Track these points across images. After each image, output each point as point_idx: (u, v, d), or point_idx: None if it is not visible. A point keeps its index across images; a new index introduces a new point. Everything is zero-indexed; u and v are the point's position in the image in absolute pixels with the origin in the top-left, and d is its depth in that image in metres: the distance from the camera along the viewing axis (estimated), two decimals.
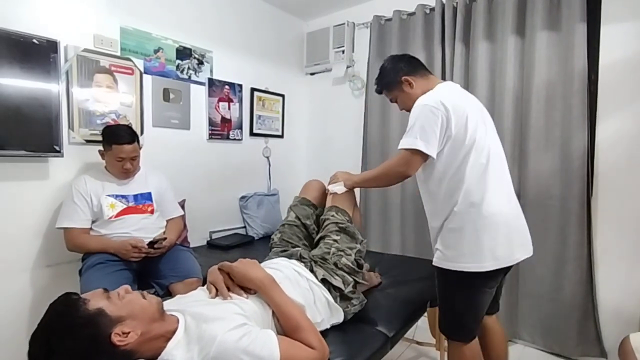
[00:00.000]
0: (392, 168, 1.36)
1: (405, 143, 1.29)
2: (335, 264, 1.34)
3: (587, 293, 1.98)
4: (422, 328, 2.16)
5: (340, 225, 1.44)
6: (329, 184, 1.65)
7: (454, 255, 1.28)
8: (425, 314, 1.88)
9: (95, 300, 0.86)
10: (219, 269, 1.12)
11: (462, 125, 1.26)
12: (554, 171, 2.04)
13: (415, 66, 1.47)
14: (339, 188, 1.60)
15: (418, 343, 2.13)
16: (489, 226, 1.24)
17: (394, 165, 1.35)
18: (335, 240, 1.40)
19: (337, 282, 1.30)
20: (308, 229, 1.59)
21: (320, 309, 1.22)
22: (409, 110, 1.42)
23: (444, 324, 1.41)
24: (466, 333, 1.34)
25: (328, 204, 1.56)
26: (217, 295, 1.07)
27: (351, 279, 1.33)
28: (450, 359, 1.40)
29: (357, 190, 1.80)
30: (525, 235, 1.38)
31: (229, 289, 1.08)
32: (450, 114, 1.25)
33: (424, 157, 1.27)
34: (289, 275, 1.22)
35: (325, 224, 1.47)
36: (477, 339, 1.37)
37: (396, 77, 1.46)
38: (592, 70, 1.95)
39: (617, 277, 1.96)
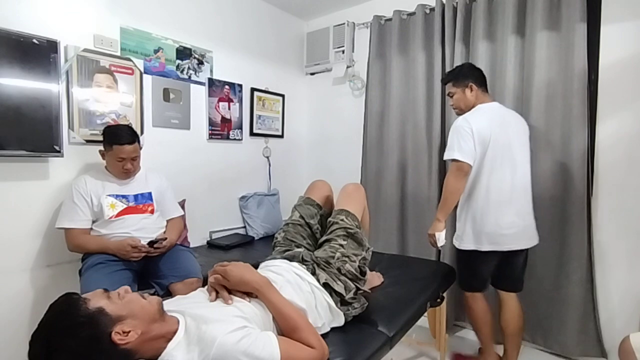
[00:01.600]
0: (456, 182, 1.71)
1: (451, 155, 1.70)
2: (339, 269, 1.33)
3: (587, 293, 1.98)
4: (422, 328, 2.16)
5: (349, 230, 1.42)
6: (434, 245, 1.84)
7: (462, 239, 1.80)
8: (425, 314, 1.88)
9: (96, 300, 0.86)
10: (215, 270, 1.12)
11: (482, 146, 1.69)
12: (554, 171, 2.04)
13: (482, 82, 1.85)
14: (443, 238, 1.79)
15: (418, 343, 2.13)
16: (483, 232, 1.72)
17: (453, 180, 1.72)
18: (341, 245, 1.38)
19: (339, 287, 1.29)
20: (312, 229, 1.59)
21: (322, 313, 1.22)
22: (457, 108, 1.88)
23: (459, 281, 1.94)
24: (471, 286, 1.87)
25: (338, 205, 1.54)
26: (217, 297, 1.07)
27: (353, 286, 1.33)
28: (465, 304, 1.91)
29: None
30: (519, 234, 1.75)
31: (230, 292, 1.08)
32: (474, 135, 1.67)
33: (468, 165, 1.68)
34: (290, 280, 1.22)
35: (333, 227, 1.45)
36: (483, 298, 1.86)
37: (466, 79, 1.83)
38: (592, 70, 1.95)
39: (617, 277, 1.96)
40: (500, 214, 1.70)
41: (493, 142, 1.69)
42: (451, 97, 1.88)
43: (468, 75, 1.83)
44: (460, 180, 1.70)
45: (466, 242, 1.77)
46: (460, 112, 1.86)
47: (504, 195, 1.71)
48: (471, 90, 1.81)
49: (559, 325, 2.05)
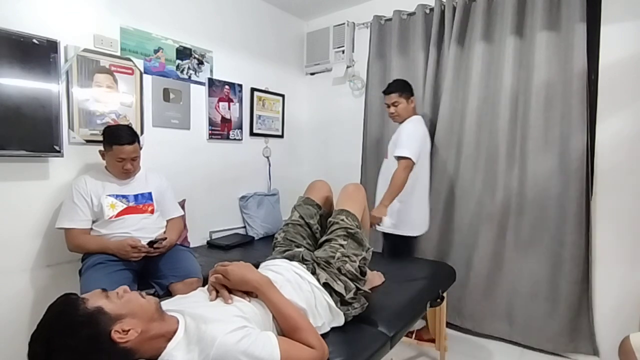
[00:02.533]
0: (405, 177, 2.04)
1: (405, 153, 2.05)
2: (339, 269, 1.32)
3: (583, 292, 1.99)
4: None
5: (349, 230, 1.42)
6: (372, 226, 2.01)
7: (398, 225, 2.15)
8: (425, 314, 1.88)
9: (95, 300, 0.86)
10: (216, 270, 1.12)
11: (423, 151, 2.13)
12: (552, 171, 2.05)
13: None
14: (386, 223, 2.04)
15: (418, 343, 2.13)
16: (419, 220, 2.21)
17: (404, 175, 2.04)
18: (341, 245, 1.38)
19: (339, 287, 1.29)
20: (312, 229, 1.58)
21: (322, 312, 1.22)
22: (398, 116, 2.21)
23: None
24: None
25: (339, 205, 1.53)
26: (217, 297, 1.07)
27: (353, 286, 1.32)
28: None
29: None
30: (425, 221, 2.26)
31: (230, 292, 1.07)
32: (420, 140, 2.12)
33: (414, 164, 2.06)
34: (290, 279, 1.21)
35: (333, 227, 1.45)
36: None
37: (408, 92, 2.21)
38: (592, 70, 1.95)
39: (615, 278, 1.96)
40: (424, 206, 2.23)
41: (426, 149, 2.19)
42: (395, 106, 2.19)
43: (409, 89, 2.21)
44: (408, 175, 2.05)
45: (407, 229, 2.16)
46: (400, 120, 2.21)
47: (426, 192, 2.23)
48: (412, 103, 2.22)
49: (552, 324, 2.06)
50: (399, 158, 2.06)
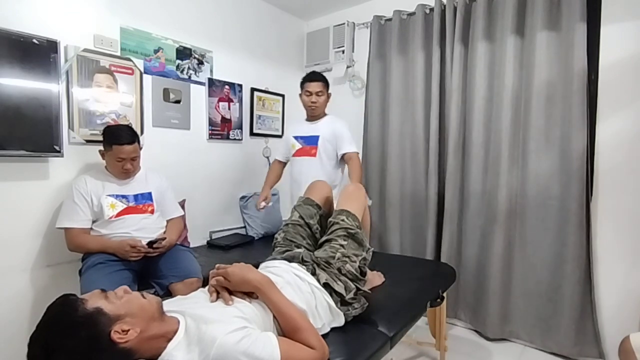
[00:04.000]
0: (360, 166, 2.23)
1: (355, 148, 2.25)
2: (339, 270, 1.32)
3: (586, 293, 1.98)
4: (422, 328, 2.16)
5: (350, 230, 1.42)
6: None
7: None
8: (425, 313, 1.88)
9: (94, 300, 0.86)
10: (216, 273, 1.12)
11: None
12: (553, 171, 2.04)
13: None
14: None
15: (418, 343, 2.13)
16: None
17: (360, 165, 2.23)
18: (342, 245, 1.38)
19: (339, 287, 1.28)
20: (311, 229, 1.58)
21: (322, 313, 1.22)
22: (320, 107, 2.26)
23: None
24: None
25: (339, 205, 1.53)
26: (218, 298, 1.07)
27: (353, 286, 1.32)
28: None
29: None
30: None
31: (230, 293, 1.07)
32: None
33: None
34: (290, 281, 1.21)
35: (333, 227, 1.45)
36: None
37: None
38: (592, 70, 1.95)
39: (616, 277, 1.96)
40: None
41: None
42: (319, 96, 2.21)
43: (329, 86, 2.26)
44: None
45: None
46: (317, 113, 2.24)
47: None
48: (328, 99, 2.27)
49: (557, 326, 2.05)
50: (349, 154, 2.19)
